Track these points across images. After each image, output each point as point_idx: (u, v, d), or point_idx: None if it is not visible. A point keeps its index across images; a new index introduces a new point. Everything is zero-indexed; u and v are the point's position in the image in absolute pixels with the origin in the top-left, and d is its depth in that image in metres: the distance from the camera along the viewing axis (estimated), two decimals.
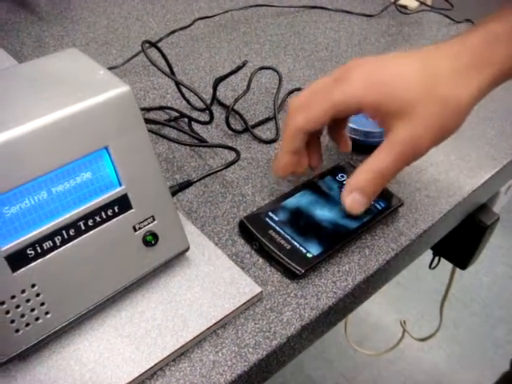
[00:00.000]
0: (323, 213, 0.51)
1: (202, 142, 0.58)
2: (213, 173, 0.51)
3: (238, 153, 0.53)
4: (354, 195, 0.46)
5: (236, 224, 0.52)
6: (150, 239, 0.43)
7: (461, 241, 0.68)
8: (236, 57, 0.76)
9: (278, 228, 0.49)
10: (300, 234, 0.49)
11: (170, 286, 0.46)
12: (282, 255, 0.47)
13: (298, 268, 0.46)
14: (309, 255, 0.48)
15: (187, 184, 0.50)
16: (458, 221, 0.62)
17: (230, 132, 0.63)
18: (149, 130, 0.55)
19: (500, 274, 1.81)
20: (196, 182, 0.50)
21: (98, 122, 0.38)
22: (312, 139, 0.51)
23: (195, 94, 0.56)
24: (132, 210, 0.41)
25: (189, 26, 0.80)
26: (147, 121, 0.58)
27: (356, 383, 1.51)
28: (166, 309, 0.44)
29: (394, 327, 1.05)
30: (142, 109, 0.65)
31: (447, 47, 0.45)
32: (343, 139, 0.54)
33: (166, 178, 0.56)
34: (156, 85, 0.70)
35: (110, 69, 0.72)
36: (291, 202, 0.52)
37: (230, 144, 0.61)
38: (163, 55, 0.61)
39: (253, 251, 0.49)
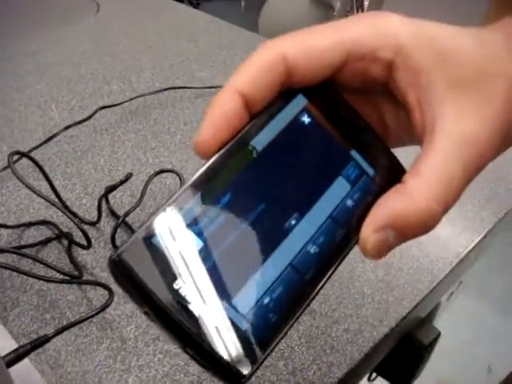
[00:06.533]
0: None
1: (73, 278, 0.48)
2: (71, 325, 0.41)
3: (111, 293, 0.44)
4: None
5: (109, 382, 0.42)
6: None
7: (399, 361, 0.59)
8: (141, 152, 0.67)
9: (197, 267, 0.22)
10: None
11: None
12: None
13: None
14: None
15: (42, 341, 0.40)
16: (390, 347, 0.53)
17: None
18: (4, 267, 0.45)
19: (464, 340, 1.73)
20: (54, 336, 0.40)
21: None
22: None
23: (69, 218, 0.47)
24: None
25: (90, 116, 0.71)
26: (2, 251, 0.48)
27: None
28: None
29: None
30: (21, 225, 0.55)
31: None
32: None
33: (35, 318, 0.46)
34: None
35: None
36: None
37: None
38: (37, 165, 0.52)
39: None
